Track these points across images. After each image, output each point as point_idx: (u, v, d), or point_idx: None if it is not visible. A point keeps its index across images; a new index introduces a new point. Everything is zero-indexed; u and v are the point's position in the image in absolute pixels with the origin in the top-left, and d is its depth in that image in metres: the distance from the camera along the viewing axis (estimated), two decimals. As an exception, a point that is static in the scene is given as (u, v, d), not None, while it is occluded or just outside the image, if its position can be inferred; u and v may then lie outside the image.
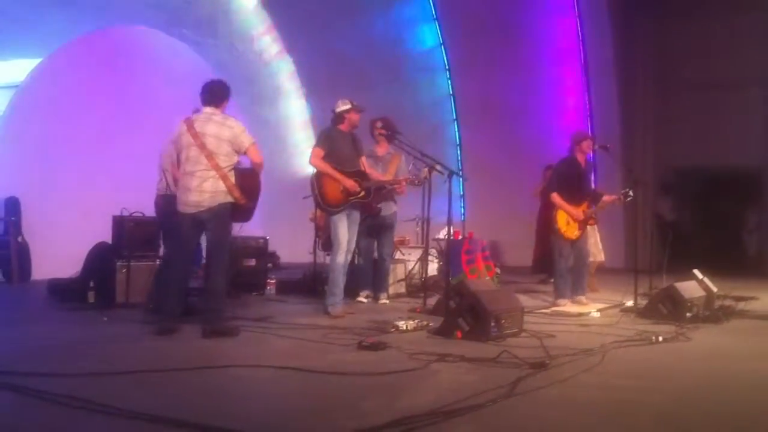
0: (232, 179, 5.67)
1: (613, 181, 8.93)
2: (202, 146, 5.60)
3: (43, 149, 10.04)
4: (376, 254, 8.31)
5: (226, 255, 5.82)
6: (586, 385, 4.11)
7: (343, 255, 6.98)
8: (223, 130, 5.67)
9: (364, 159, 7.43)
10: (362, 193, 7.08)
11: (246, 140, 5.73)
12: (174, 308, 5.72)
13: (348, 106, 7.20)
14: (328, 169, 6.98)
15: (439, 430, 3.17)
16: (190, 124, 5.72)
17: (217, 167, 5.59)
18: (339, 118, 7.21)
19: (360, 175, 7.14)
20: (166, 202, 6.44)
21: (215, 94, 5.83)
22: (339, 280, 6.97)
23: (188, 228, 5.77)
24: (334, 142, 7.13)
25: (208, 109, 5.80)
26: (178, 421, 3.16)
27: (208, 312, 5.67)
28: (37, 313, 7.12)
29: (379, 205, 7.47)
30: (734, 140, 13.79)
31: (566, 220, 7.78)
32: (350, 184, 6.97)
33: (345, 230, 7.00)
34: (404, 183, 7.71)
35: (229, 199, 5.66)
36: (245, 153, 5.76)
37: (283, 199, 12.96)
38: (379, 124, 7.96)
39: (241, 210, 5.79)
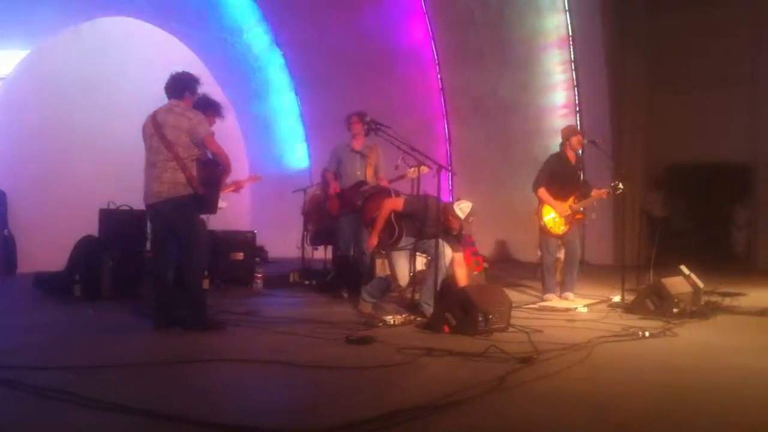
0: (194, 170, 5.60)
1: (602, 176, 8.95)
2: (162, 136, 5.56)
3: (30, 142, 9.97)
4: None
5: (198, 250, 5.73)
6: (573, 379, 4.12)
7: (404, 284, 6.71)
8: (181, 120, 5.60)
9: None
10: (359, 203, 7.62)
11: (202, 130, 5.62)
12: (164, 302, 5.68)
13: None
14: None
15: (426, 424, 3.17)
16: (153, 115, 5.72)
17: (177, 157, 5.53)
18: None
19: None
20: None
21: (178, 85, 5.79)
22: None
23: (155, 220, 5.76)
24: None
25: (171, 101, 5.77)
26: (165, 415, 3.15)
27: (189, 308, 5.64)
28: (23, 306, 7.07)
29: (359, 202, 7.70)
30: (723, 137, 13.78)
31: (552, 215, 7.80)
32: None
33: (405, 264, 6.56)
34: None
35: (189, 191, 5.58)
36: (203, 144, 5.66)
37: (271, 194, 12.93)
38: (355, 119, 7.89)
39: (203, 201, 5.70)
